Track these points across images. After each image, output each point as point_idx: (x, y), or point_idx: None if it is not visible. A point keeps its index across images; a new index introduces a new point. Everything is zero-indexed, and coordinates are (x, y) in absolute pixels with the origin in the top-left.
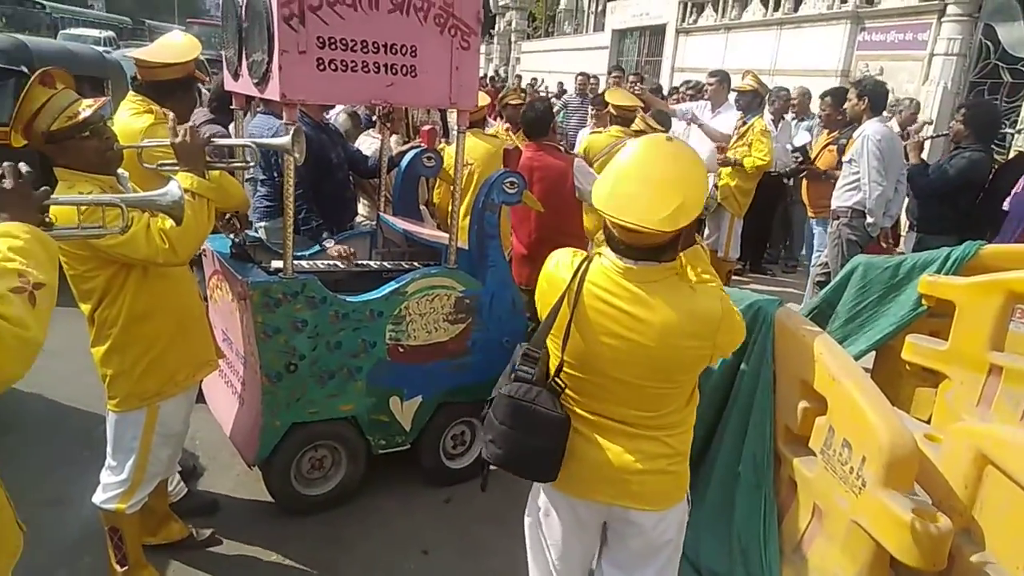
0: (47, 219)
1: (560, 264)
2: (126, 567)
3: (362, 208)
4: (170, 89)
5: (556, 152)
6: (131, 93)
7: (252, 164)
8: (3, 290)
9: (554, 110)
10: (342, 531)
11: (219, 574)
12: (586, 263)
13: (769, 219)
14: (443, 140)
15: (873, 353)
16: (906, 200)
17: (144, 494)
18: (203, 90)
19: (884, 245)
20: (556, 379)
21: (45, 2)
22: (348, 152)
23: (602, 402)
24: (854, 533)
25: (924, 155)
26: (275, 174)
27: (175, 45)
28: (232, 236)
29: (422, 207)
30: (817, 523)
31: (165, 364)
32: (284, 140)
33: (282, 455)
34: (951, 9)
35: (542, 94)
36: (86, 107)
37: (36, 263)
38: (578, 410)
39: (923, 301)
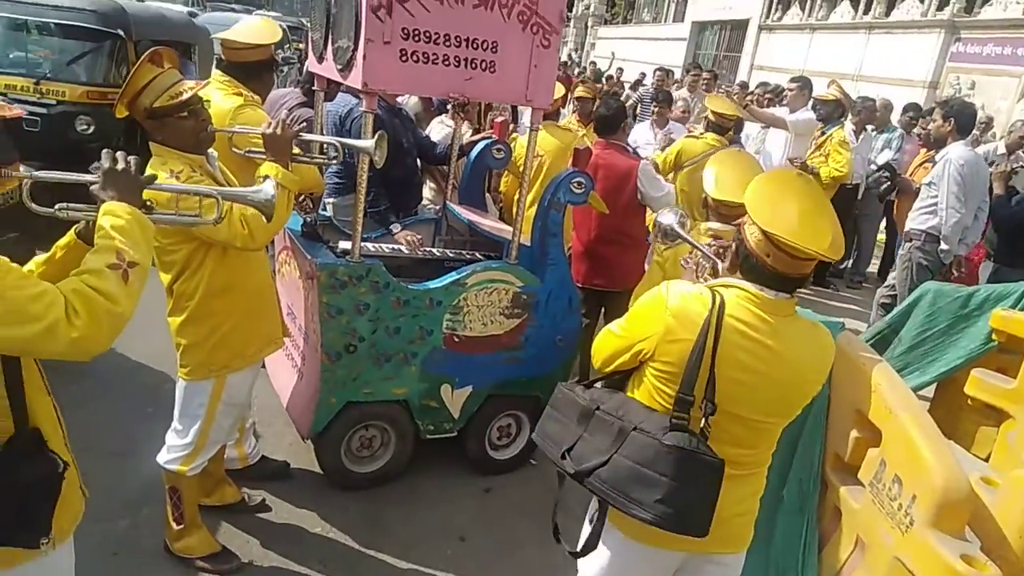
0: (148, 203)
1: (688, 297)
2: (182, 525)
3: (428, 192)
4: (255, 70)
5: (623, 152)
6: (217, 72)
7: (335, 160)
8: (101, 265)
9: (628, 103)
10: (384, 510)
11: (266, 539)
12: (719, 296)
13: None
14: (515, 130)
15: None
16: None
17: (205, 458)
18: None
19: (955, 273)
20: (707, 424)
21: None
22: (417, 138)
23: (713, 442)
24: (896, 570)
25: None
26: (347, 152)
27: (257, 27)
28: (303, 215)
29: (486, 195)
30: (859, 555)
31: (236, 339)
32: (368, 144)
33: (335, 431)
34: None
35: (615, 83)
36: (188, 89)
37: (133, 243)
38: None
39: (994, 335)
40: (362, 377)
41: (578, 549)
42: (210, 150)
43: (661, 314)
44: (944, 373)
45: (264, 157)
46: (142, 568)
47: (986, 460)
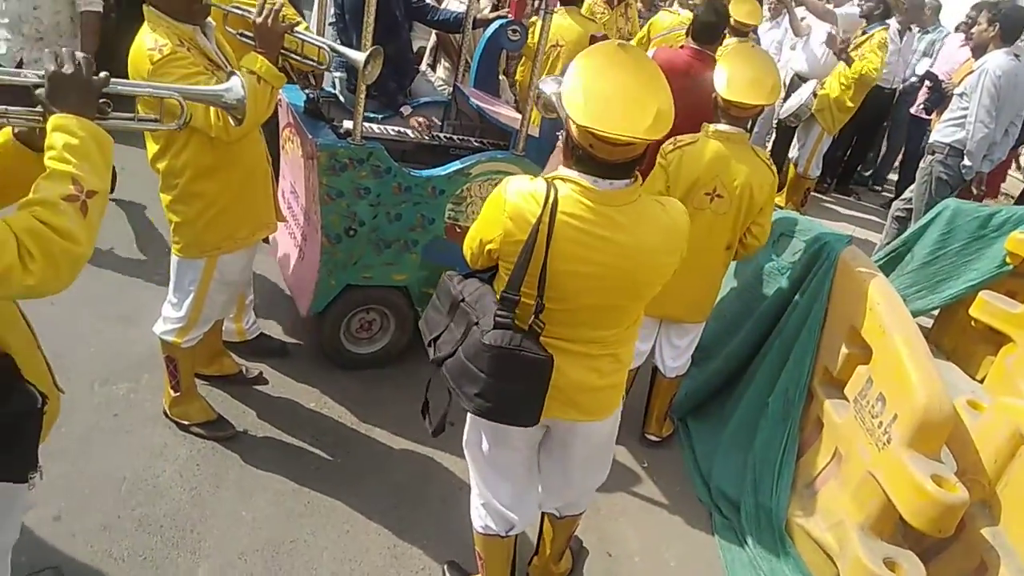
0: (104, 103)
1: (523, 196)
2: (179, 393)
3: (442, 72)
4: None
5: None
6: None
7: (325, 67)
8: (55, 197)
9: None
10: (379, 391)
11: (261, 411)
12: (554, 192)
13: (869, 139)
14: (534, 13)
15: None
16: None
17: (200, 332)
18: None
19: (974, 191)
20: (537, 320)
21: None
22: (409, 6)
23: (565, 327)
24: (868, 485)
25: None
26: (351, 27)
27: None
28: (307, 91)
29: (500, 77)
30: (835, 466)
31: (226, 221)
32: (358, 57)
33: (334, 312)
34: None
35: None
36: None
37: (91, 166)
38: (542, 339)
39: (1008, 259)
40: (362, 261)
41: (431, 430)
42: (209, 19)
43: (500, 216)
44: (953, 296)
45: (254, 45)
46: (140, 429)
47: (981, 382)
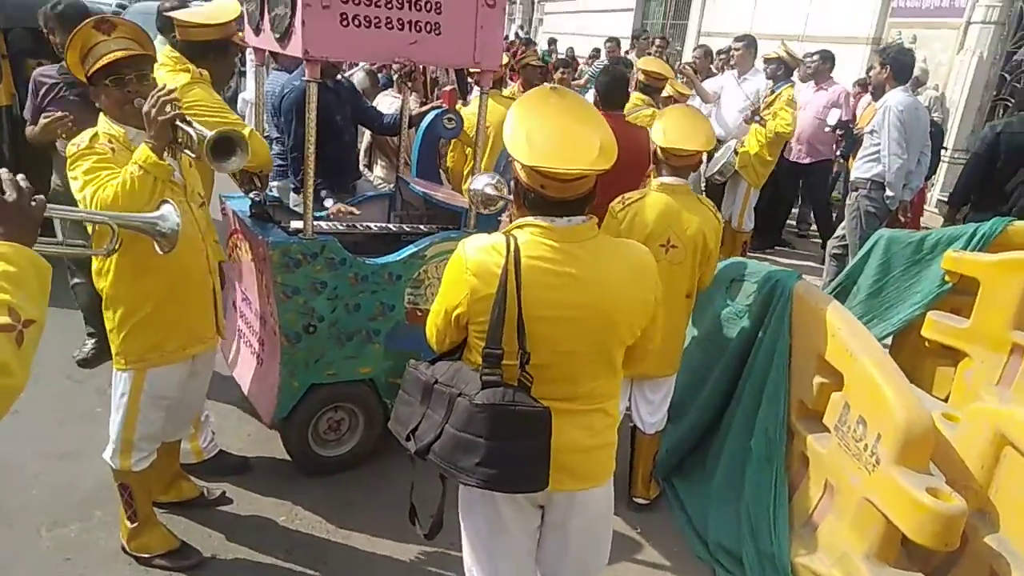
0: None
1: (484, 250)
2: (136, 523)
3: (380, 171)
4: (202, 51)
5: (631, 124)
6: (167, 48)
7: (196, 156)
8: None
9: (584, 78)
10: (351, 494)
11: (228, 533)
12: (513, 240)
13: (792, 190)
14: (460, 101)
15: None
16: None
17: (144, 453)
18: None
19: (902, 219)
20: (525, 373)
21: None
22: (358, 111)
23: (552, 383)
24: (865, 510)
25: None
26: (284, 135)
27: (213, 6)
28: (252, 195)
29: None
30: (828, 499)
31: (151, 331)
32: (207, 134)
33: (300, 415)
34: None
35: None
36: (112, 55)
37: (28, 296)
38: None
39: (946, 277)
40: (324, 358)
41: (425, 532)
42: None
43: (463, 276)
44: (905, 319)
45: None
46: (98, 571)
47: (945, 400)
